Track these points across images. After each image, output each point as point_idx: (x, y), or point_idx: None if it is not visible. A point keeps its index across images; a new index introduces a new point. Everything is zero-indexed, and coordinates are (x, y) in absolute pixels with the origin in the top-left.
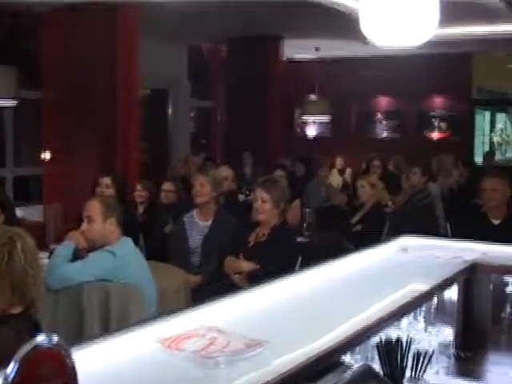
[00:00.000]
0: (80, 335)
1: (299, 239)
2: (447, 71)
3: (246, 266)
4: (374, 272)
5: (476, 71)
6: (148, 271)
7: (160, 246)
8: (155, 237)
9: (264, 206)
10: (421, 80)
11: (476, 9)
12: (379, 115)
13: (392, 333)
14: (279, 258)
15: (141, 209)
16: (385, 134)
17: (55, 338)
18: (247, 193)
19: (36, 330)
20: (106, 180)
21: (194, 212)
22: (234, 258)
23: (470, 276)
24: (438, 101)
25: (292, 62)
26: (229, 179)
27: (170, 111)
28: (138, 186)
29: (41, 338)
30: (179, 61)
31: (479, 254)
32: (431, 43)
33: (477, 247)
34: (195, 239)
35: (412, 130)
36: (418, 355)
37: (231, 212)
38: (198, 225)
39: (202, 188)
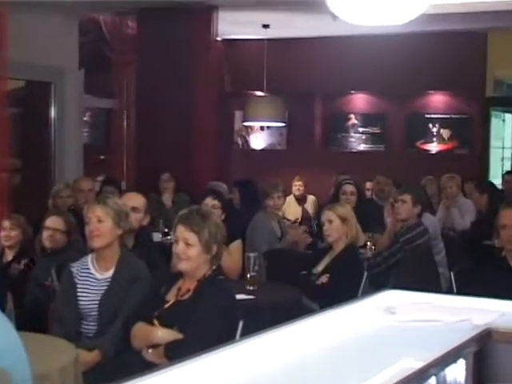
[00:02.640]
0: None
1: (240, 296)
2: (450, 57)
3: (163, 335)
4: (348, 343)
5: (492, 57)
6: (20, 347)
7: (38, 310)
8: (31, 296)
9: (189, 250)
10: (413, 70)
11: None
12: (354, 119)
13: None
14: (211, 323)
15: (10, 255)
16: (362, 147)
17: None
18: (166, 230)
19: None
20: None
21: (89, 259)
22: (145, 324)
23: (483, 347)
24: (438, 99)
25: (230, 44)
26: (139, 211)
27: (53, 113)
28: (6, 223)
29: None
30: (67, 41)
31: (496, 315)
32: (426, 18)
33: (492, 306)
34: (90, 298)
35: (400, 141)
36: None
37: (142, 258)
38: (93, 277)
39: (101, 224)
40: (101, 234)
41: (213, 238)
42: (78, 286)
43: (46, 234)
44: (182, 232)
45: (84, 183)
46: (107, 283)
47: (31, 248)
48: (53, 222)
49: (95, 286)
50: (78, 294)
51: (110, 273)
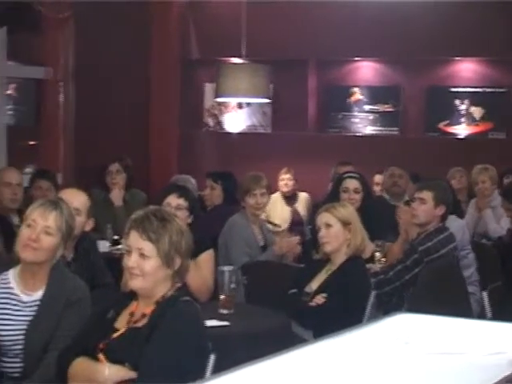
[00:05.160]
0: None
1: (211, 322)
2: (483, 14)
3: (112, 373)
4: (349, 381)
5: None
6: None
7: None
8: None
9: (144, 263)
10: (435, 31)
11: None
12: (359, 94)
13: None
14: (173, 357)
15: None
16: (369, 129)
17: None
18: (115, 238)
19: None
20: None
21: (10, 275)
22: (88, 359)
23: None
24: (467, 68)
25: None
26: (80, 213)
27: None
28: None
29: None
30: None
31: None
32: None
33: None
34: (12, 327)
35: (419, 122)
36: None
37: (83, 274)
38: (17, 300)
39: (46, 237)
40: (41, 247)
41: (175, 248)
42: None
43: None
44: (136, 240)
45: (9, 175)
46: (35, 307)
47: None
48: None
49: (20, 311)
50: None
51: (40, 294)
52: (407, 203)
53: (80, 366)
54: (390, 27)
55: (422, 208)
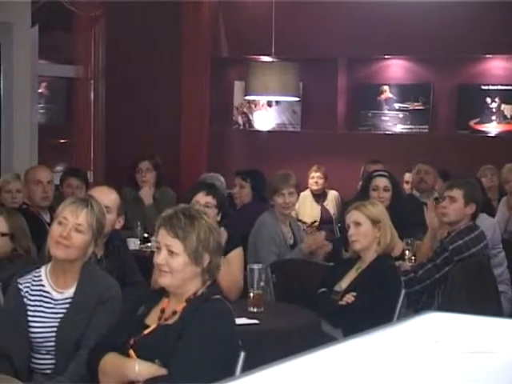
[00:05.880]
0: None
1: (241, 320)
2: None
3: (142, 370)
4: (379, 379)
5: None
6: None
7: None
8: None
9: (172, 260)
10: (466, 27)
11: None
12: (388, 92)
13: None
14: (203, 354)
15: None
16: (399, 128)
17: None
18: (145, 236)
19: None
20: None
21: (42, 272)
22: (118, 356)
23: None
24: (498, 66)
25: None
26: (111, 211)
27: None
28: None
29: None
30: None
31: None
32: None
33: None
34: (44, 324)
35: (449, 120)
36: None
37: (114, 271)
38: (49, 297)
39: (77, 235)
40: (73, 245)
41: (203, 245)
42: (29, 308)
43: None
44: (164, 237)
45: (40, 173)
46: (67, 305)
47: None
48: None
49: (51, 308)
50: (29, 318)
51: (71, 291)
52: (437, 200)
53: (110, 361)
54: (419, 25)
55: (453, 206)
